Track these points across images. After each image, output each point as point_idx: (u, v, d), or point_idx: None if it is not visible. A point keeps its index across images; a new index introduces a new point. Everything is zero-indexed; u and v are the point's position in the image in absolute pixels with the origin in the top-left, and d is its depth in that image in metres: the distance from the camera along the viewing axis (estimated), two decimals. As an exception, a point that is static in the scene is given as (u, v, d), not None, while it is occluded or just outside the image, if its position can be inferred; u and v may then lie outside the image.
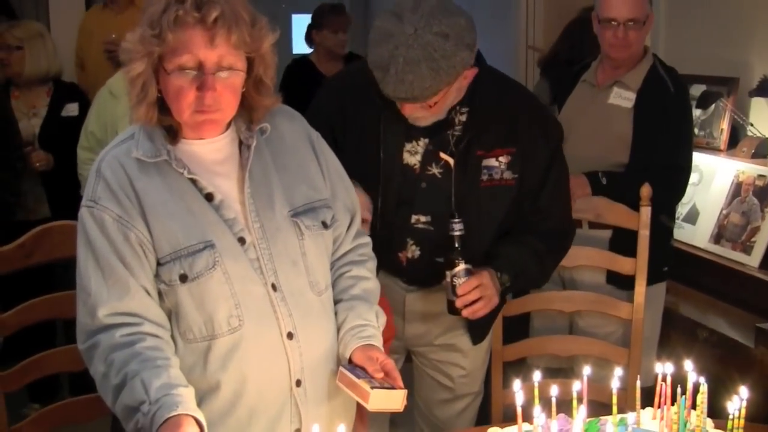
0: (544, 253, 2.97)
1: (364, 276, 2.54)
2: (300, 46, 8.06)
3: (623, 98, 3.70)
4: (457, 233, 2.74)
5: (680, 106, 3.68)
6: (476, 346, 3.14)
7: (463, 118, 2.83)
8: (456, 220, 2.73)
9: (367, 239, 2.63)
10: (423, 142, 2.85)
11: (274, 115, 2.40)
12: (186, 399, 2.11)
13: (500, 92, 2.86)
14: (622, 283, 3.43)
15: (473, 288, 2.75)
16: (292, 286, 2.32)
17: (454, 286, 2.76)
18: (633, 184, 3.37)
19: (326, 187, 2.47)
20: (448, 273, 2.76)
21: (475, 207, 2.85)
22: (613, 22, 3.61)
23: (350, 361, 2.37)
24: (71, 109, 4.87)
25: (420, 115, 2.74)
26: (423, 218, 2.89)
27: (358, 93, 2.87)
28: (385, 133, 2.86)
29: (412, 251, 2.93)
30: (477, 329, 3.08)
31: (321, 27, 6.06)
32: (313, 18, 6.14)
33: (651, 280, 3.39)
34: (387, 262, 2.87)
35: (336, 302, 2.47)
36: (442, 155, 2.84)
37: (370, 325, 2.43)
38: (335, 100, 2.96)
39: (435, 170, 2.86)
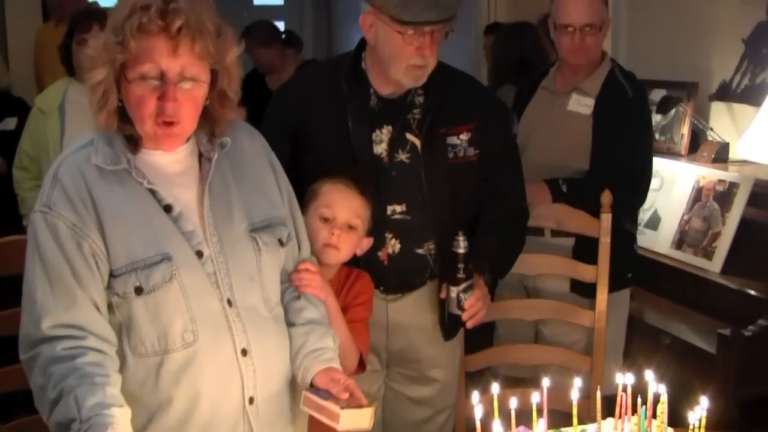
0: (510, 242, 3.06)
1: (316, 300, 2.53)
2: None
3: (582, 105, 3.69)
4: (461, 251, 2.77)
5: (639, 112, 3.67)
6: (452, 358, 3.15)
7: (421, 99, 2.89)
8: (461, 237, 2.76)
9: (314, 260, 2.63)
10: (387, 129, 2.88)
11: (234, 129, 2.37)
12: (118, 420, 2.05)
13: (450, 74, 2.95)
14: (586, 290, 3.42)
15: (477, 300, 2.82)
16: (247, 301, 2.30)
17: (460, 301, 2.80)
18: (593, 190, 3.36)
19: (283, 206, 2.46)
20: (453, 289, 2.80)
21: (446, 185, 2.89)
22: (569, 28, 3.60)
23: (312, 384, 2.35)
24: (9, 123, 4.82)
25: (434, 55, 2.78)
26: (398, 208, 2.90)
27: (315, 93, 2.91)
28: (354, 126, 2.87)
29: (393, 245, 2.92)
30: (451, 327, 3.08)
31: (264, 46, 6.17)
32: None
33: (615, 287, 3.39)
34: (368, 268, 2.87)
35: (290, 324, 2.45)
36: (409, 136, 2.87)
37: (329, 348, 2.42)
38: (292, 107, 2.96)
39: (402, 156, 2.88)
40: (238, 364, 2.26)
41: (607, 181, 3.40)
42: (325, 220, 2.71)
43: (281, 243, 2.40)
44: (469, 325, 2.85)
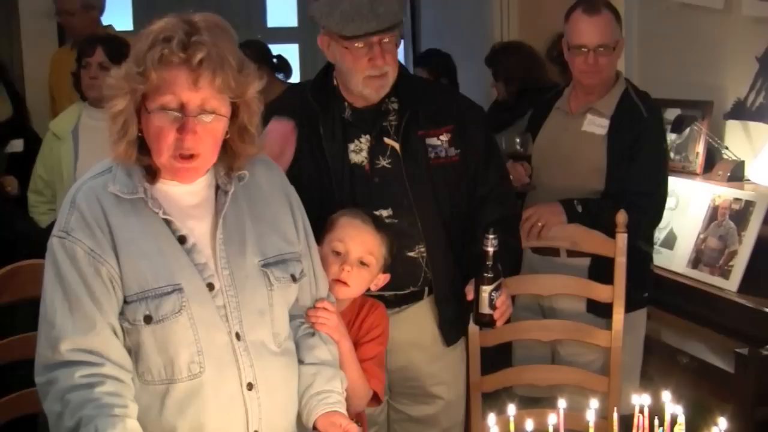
0: (512, 243, 3.07)
1: (329, 339, 2.54)
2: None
3: (596, 125, 3.69)
4: (491, 249, 2.75)
5: (654, 131, 3.66)
6: (455, 375, 3.15)
7: (395, 106, 2.95)
8: (491, 235, 2.75)
9: (332, 298, 2.63)
10: (365, 139, 2.94)
11: (253, 163, 2.38)
12: None
13: (422, 82, 3.11)
14: (602, 310, 3.41)
15: (507, 298, 2.85)
16: (255, 336, 2.29)
17: (492, 300, 2.79)
18: (609, 210, 3.35)
19: (299, 241, 2.46)
20: (485, 288, 2.79)
21: (430, 187, 2.93)
22: (583, 49, 3.60)
23: (314, 427, 2.37)
24: (16, 146, 4.85)
25: (390, 64, 2.84)
26: (385, 213, 2.91)
27: (289, 113, 2.93)
28: (327, 138, 2.91)
29: None
30: (451, 330, 3.11)
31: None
32: None
33: (631, 307, 3.38)
34: None
35: (301, 361, 2.45)
36: (387, 141, 2.93)
37: (335, 392, 2.43)
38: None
39: (383, 162, 2.93)
40: (243, 398, 2.26)
41: (622, 201, 3.39)
42: (338, 254, 2.70)
43: (294, 278, 2.41)
44: (499, 324, 2.85)
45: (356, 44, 2.78)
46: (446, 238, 2.98)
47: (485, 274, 2.77)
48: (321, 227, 2.72)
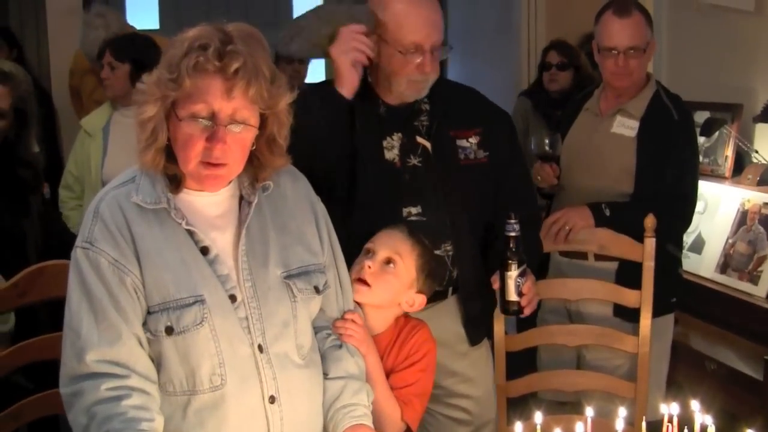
0: (534, 243, 3.08)
1: (356, 351, 2.51)
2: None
3: (626, 127, 3.66)
4: (513, 234, 2.73)
5: (685, 134, 3.63)
6: (482, 372, 3.14)
7: (427, 106, 3.00)
8: (513, 220, 2.73)
9: (358, 309, 2.61)
10: (397, 136, 2.96)
11: (279, 173, 2.37)
12: None
13: (452, 85, 3.14)
14: (630, 315, 3.38)
15: (534, 285, 2.84)
16: (279, 348, 2.28)
17: (518, 286, 2.76)
18: (637, 214, 3.32)
19: (323, 252, 2.44)
20: (510, 274, 2.75)
21: (459, 185, 2.95)
22: (613, 51, 3.57)
23: None
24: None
25: (434, 71, 2.90)
26: (414, 210, 2.92)
27: (323, 104, 2.91)
28: (362, 133, 2.92)
29: None
30: (476, 329, 3.11)
31: (280, 59, 6.15)
32: None
33: (659, 312, 3.35)
34: None
35: (326, 373, 2.42)
36: (420, 139, 2.95)
37: (361, 405, 2.40)
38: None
39: (414, 161, 2.95)
40: (265, 411, 2.24)
41: (652, 204, 3.36)
42: (367, 253, 2.66)
43: (317, 290, 2.39)
44: (527, 311, 2.83)
45: (411, 50, 2.84)
46: (473, 237, 2.99)
47: (509, 261, 2.74)
48: (346, 224, 2.70)
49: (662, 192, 3.49)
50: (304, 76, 6.28)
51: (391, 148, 2.95)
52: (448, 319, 3.03)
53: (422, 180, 2.94)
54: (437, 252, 2.91)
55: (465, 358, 3.09)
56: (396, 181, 2.93)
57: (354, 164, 2.91)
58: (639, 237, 3.28)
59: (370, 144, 2.93)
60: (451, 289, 3.02)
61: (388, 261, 2.65)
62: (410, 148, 2.96)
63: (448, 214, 2.93)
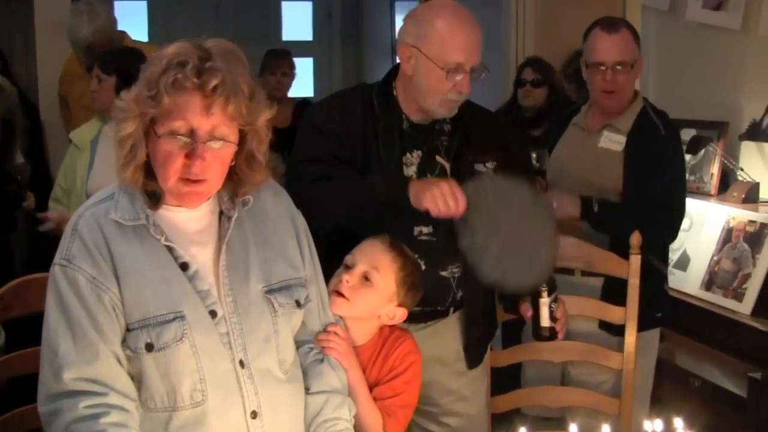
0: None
1: (338, 365, 2.51)
2: (291, 90, 8.12)
3: (614, 141, 3.67)
4: None
5: (672, 148, 3.64)
6: (477, 391, 3.14)
7: (448, 127, 3.00)
8: None
9: (340, 322, 2.60)
10: (417, 153, 2.95)
11: (259, 188, 2.36)
12: None
13: (473, 108, 3.07)
14: (615, 329, 3.39)
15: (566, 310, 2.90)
16: (260, 364, 2.27)
17: (552, 312, 2.82)
18: (623, 218, 3.36)
19: (304, 266, 2.44)
20: (544, 301, 2.81)
21: None
22: (601, 67, 3.59)
23: None
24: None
25: (469, 91, 2.90)
26: (425, 229, 2.92)
27: (352, 116, 2.95)
28: (384, 148, 2.92)
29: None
30: (475, 353, 3.11)
31: (263, 71, 6.26)
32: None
33: (643, 326, 3.35)
34: None
35: (308, 388, 2.42)
36: (439, 159, 2.95)
37: (343, 419, 2.40)
38: (334, 125, 2.96)
39: (431, 180, 2.91)
40: (247, 427, 2.24)
41: (640, 212, 3.39)
42: (347, 267, 2.64)
43: (298, 304, 2.39)
44: (561, 336, 2.91)
45: (452, 68, 2.83)
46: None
47: (542, 288, 2.77)
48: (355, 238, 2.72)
49: (650, 204, 3.50)
50: (288, 87, 6.31)
51: (410, 165, 2.95)
52: (449, 337, 3.04)
53: None
54: (443, 273, 2.92)
55: (462, 377, 3.10)
56: None
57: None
58: (619, 242, 3.31)
59: (391, 159, 2.92)
60: (452, 309, 3.02)
61: (366, 276, 2.62)
62: (428, 166, 2.95)
63: (458, 237, 2.88)
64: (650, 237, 3.33)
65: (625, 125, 3.66)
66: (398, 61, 2.97)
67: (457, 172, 2.94)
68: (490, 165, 2.97)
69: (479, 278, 2.77)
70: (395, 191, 2.78)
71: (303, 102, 6.33)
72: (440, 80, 2.85)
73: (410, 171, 2.94)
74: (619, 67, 3.59)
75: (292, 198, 2.51)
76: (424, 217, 2.86)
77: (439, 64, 2.83)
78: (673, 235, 3.66)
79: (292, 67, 6.36)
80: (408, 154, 2.95)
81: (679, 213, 3.63)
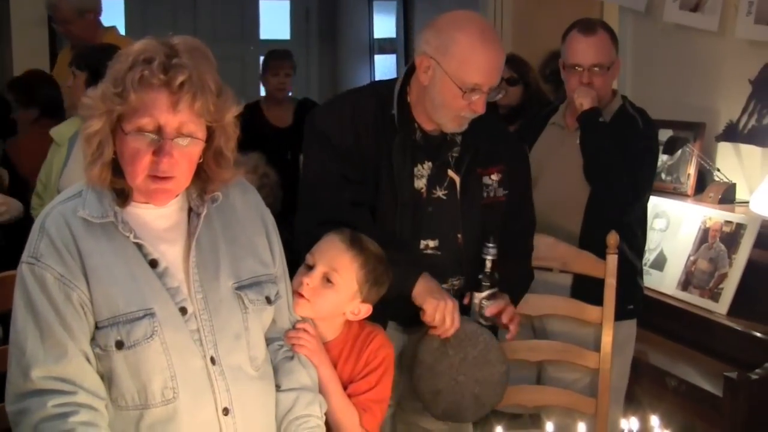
0: (527, 272, 3.14)
1: (309, 363, 2.51)
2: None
3: None
4: (489, 257, 2.79)
5: (647, 139, 3.66)
6: None
7: (459, 139, 2.94)
8: (491, 244, 2.78)
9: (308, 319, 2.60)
10: (427, 165, 2.91)
11: (228, 185, 2.35)
12: None
13: (484, 119, 2.94)
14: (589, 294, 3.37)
15: (500, 310, 2.87)
16: (232, 360, 2.27)
17: (482, 308, 2.83)
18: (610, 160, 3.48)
19: (274, 263, 2.44)
20: (477, 295, 2.82)
21: (478, 224, 2.93)
22: (578, 68, 3.60)
23: None
24: None
25: (482, 110, 2.84)
26: (431, 243, 2.92)
27: (365, 124, 2.90)
28: (397, 159, 2.87)
29: None
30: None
31: (265, 71, 6.29)
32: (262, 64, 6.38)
33: (616, 318, 3.33)
34: (393, 301, 2.79)
35: (279, 386, 2.42)
36: (450, 173, 2.92)
37: (314, 416, 2.41)
38: (345, 139, 2.90)
39: (440, 193, 2.92)
40: (219, 423, 2.24)
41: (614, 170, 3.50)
42: (308, 267, 2.62)
43: (268, 301, 2.38)
44: (509, 336, 2.94)
45: (470, 88, 2.76)
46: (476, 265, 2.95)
47: (480, 282, 2.80)
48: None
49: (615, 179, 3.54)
50: (289, 87, 6.31)
51: (421, 177, 2.90)
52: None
53: (444, 213, 2.91)
54: (444, 285, 2.88)
55: None
56: (418, 212, 2.89)
57: (379, 187, 2.86)
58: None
59: (404, 172, 2.87)
60: None
61: (327, 277, 2.59)
62: (438, 179, 2.92)
63: (465, 251, 2.92)
64: (610, 195, 3.47)
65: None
66: (415, 65, 2.88)
67: (467, 186, 2.92)
68: (495, 177, 2.97)
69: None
70: (402, 279, 2.76)
71: (304, 101, 6.36)
72: (456, 98, 2.78)
73: (420, 183, 2.90)
74: (596, 69, 3.60)
75: (298, 233, 2.64)
76: (432, 231, 2.89)
77: (457, 82, 2.76)
78: (628, 203, 3.60)
79: (294, 67, 6.37)
80: (419, 166, 2.91)
81: (640, 189, 3.62)
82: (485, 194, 2.95)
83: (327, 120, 2.96)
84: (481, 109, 2.81)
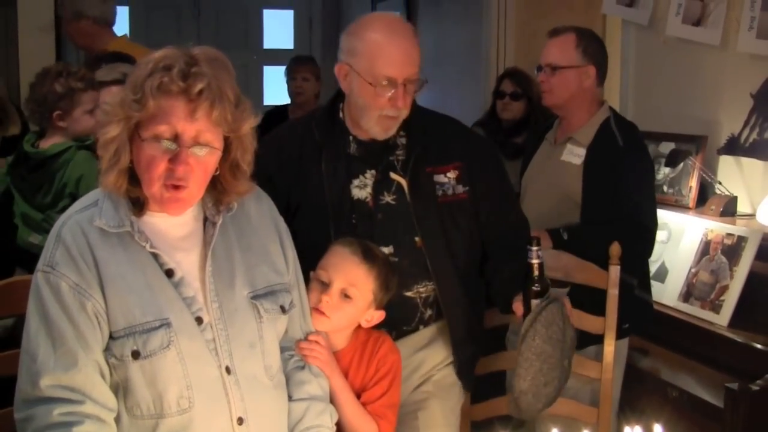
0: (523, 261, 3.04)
1: (320, 373, 2.52)
2: (270, 98, 8.13)
3: (574, 155, 3.72)
4: (536, 261, 2.67)
5: (631, 161, 3.66)
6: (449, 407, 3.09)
7: (403, 141, 2.92)
8: (535, 247, 2.67)
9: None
10: (370, 174, 2.89)
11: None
12: None
13: (429, 116, 3.01)
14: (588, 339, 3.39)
15: None
16: (246, 369, 2.28)
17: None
18: (593, 237, 3.36)
19: (288, 271, 2.45)
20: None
21: (437, 225, 2.88)
22: (540, 67, 3.73)
23: None
24: None
25: (407, 107, 2.82)
26: (386, 250, 2.85)
27: (291, 143, 2.93)
28: (327, 175, 2.86)
29: None
30: (469, 373, 3.10)
31: (287, 76, 6.38)
32: None
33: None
34: None
35: (290, 396, 2.43)
36: (394, 176, 2.87)
37: (324, 426, 2.42)
38: (272, 159, 2.90)
39: (388, 198, 2.89)
40: None
41: (609, 229, 3.43)
42: (322, 283, 2.63)
43: (283, 310, 2.39)
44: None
45: (383, 82, 2.77)
46: (457, 276, 2.94)
47: (533, 287, 2.69)
48: (314, 263, 2.68)
49: (619, 218, 3.53)
50: (309, 91, 6.35)
51: (364, 187, 2.89)
52: (419, 350, 3.01)
53: (396, 219, 2.88)
54: (408, 293, 2.89)
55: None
56: (367, 221, 2.87)
57: (320, 207, 2.85)
58: (597, 260, 3.32)
59: (336, 187, 2.86)
60: (421, 326, 2.99)
61: (345, 293, 2.63)
62: (384, 185, 2.89)
63: (428, 255, 2.88)
64: (623, 252, 3.33)
65: (586, 138, 3.71)
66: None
67: (416, 187, 2.88)
68: (452, 174, 2.92)
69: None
70: None
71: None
72: (374, 96, 2.78)
73: (365, 192, 2.88)
74: (550, 69, 3.69)
75: None
76: (385, 238, 2.85)
77: (369, 79, 2.77)
78: (646, 249, 3.67)
79: (313, 72, 6.40)
80: (361, 177, 2.89)
81: (649, 227, 3.65)
82: (440, 193, 2.90)
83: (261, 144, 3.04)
84: (402, 104, 2.80)
